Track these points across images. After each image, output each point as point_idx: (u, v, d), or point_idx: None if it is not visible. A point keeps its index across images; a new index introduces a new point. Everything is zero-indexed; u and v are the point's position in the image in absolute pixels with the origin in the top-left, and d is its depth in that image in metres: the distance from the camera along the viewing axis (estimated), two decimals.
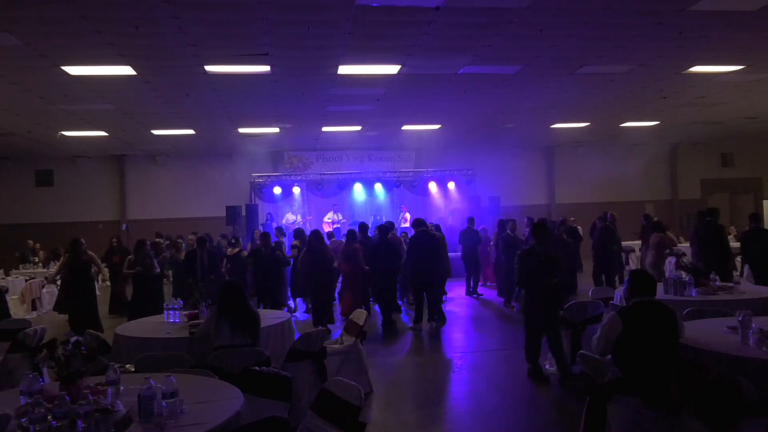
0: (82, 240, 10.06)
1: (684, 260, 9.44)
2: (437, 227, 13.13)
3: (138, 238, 11.29)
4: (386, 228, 11.34)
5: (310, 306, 11.28)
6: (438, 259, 10.66)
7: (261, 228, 15.50)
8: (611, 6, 7.77)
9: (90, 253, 10.23)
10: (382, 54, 9.59)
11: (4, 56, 8.95)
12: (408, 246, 11.06)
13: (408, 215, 18.04)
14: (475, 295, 13.55)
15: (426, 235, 10.63)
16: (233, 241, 12.25)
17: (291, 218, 17.80)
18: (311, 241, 10.20)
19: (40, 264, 15.89)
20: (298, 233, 12.58)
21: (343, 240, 13.04)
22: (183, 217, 19.47)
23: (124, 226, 19.59)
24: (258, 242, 11.63)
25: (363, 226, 12.34)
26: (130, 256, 10.31)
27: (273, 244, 11.10)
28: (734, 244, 13.22)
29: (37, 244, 16.99)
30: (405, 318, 11.32)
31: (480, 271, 13.98)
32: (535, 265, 6.96)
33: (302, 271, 10.56)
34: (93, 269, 10.11)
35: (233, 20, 7.84)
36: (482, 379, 7.46)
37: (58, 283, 12.08)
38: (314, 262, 10.00)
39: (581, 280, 13.57)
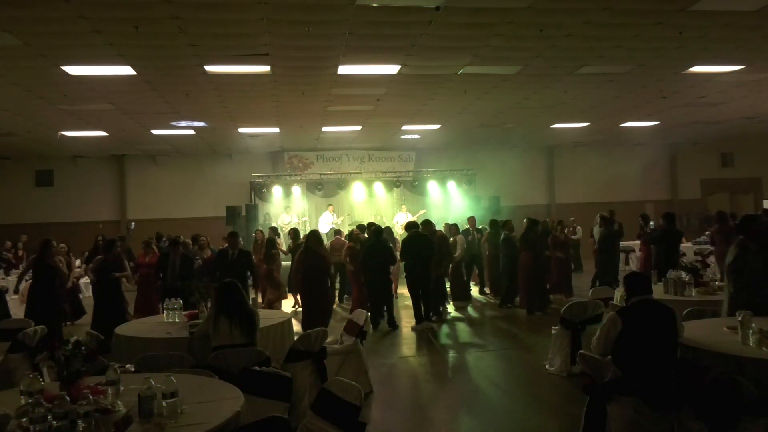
0: (53, 242, 9.35)
1: (684, 260, 9.45)
2: (454, 226, 13.18)
3: (110, 237, 10.90)
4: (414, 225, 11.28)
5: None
6: (431, 260, 10.62)
7: (260, 228, 15.50)
8: (611, 6, 7.77)
9: (59, 258, 9.58)
10: (382, 54, 9.59)
11: (4, 56, 8.94)
12: (401, 248, 11.03)
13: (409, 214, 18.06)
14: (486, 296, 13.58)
15: (418, 236, 10.63)
16: (231, 241, 12.21)
17: (287, 218, 17.77)
18: (308, 242, 9.88)
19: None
20: (294, 233, 12.73)
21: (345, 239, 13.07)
22: (183, 217, 19.45)
23: (132, 225, 19.59)
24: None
25: (371, 226, 12.13)
26: (99, 257, 9.80)
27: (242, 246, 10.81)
28: None
29: (19, 243, 16.86)
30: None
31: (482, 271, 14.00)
32: (760, 264, 5.71)
33: (297, 272, 10.12)
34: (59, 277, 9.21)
35: (233, 20, 7.84)
36: (482, 379, 7.46)
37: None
38: (310, 263, 9.64)
39: (581, 279, 13.58)
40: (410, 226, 11.02)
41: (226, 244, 10.25)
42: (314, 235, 10.07)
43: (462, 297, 12.96)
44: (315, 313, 9.40)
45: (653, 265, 10.52)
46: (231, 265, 9.50)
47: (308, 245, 9.82)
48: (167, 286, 9.50)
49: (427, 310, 10.44)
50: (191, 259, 10.24)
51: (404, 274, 10.84)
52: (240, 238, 10.96)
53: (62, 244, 13.01)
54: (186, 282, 9.25)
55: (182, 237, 11.49)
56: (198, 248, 11.85)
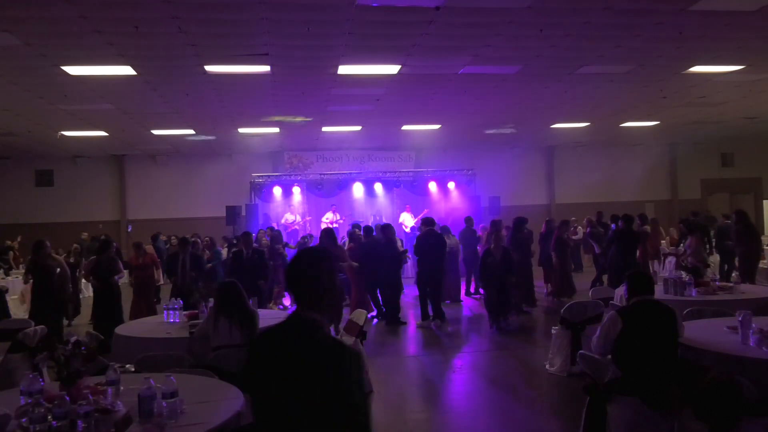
0: (47, 243, 9.39)
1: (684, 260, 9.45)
2: (445, 228, 13.18)
3: (106, 238, 10.96)
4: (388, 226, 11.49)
5: None
6: (443, 259, 10.73)
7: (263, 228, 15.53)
8: (611, 6, 7.77)
9: (56, 257, 9.69)
10: (382, 54, 9.59)
11: (4, 56, 8.94)
12: (415, 245, 11.08)
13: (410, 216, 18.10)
14: (476, 296, 13.53)
15: (433, 234, 10.69)
16: (235, 242, 12.27)
17: (290, 218, 17.79)
18: (322, 240, 9.92)
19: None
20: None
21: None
22: (183, 217, 19.46)
23: (129, 228, 19.56)
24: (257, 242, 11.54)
25: (368, 228, 12.29)
26: (92, 257, 9.86)
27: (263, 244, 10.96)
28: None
29: (16, 243, 16.83)
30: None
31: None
32: None
33: None
34: (58, 273, 9.38)
35: (233, 20, 7.84)
36: (482, 379, 7.46)
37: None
38: None
39: (581, 279, 13.57)
40: (427, 223, 11.06)
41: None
42: (327, 233, 10.06)
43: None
44: (336, 314, 9.46)
45: (608, 268, 10.58)
46: (246, 264, 9.81)
47: (322, 244, 9.83)
48: (178, 285, 9.63)
49: (434, 309, 10.47)
50: (202, 258, 10.35)
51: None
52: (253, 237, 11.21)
53: (75, 245, 13.07)
54: (198, 283, 9.42)
55: (191, 236, 11.57)
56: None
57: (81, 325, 11.22)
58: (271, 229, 14.64)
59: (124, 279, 11.38)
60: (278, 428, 2.29)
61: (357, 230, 12.57)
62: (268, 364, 2.35)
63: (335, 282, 2.45)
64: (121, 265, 9.82)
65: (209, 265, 11.33)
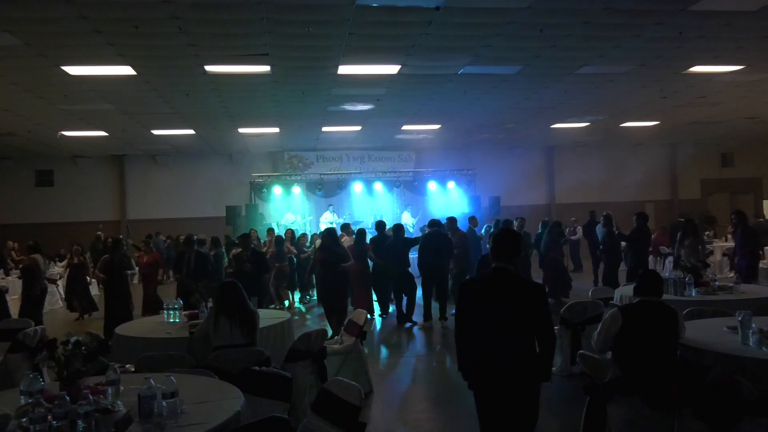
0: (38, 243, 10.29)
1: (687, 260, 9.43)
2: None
3: (115, 238, 11.29)
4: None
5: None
6: (447, 259, 10.73)
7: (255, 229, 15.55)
8: (611, 6, 7.77)
9: (33, 256, 10.24)
10: (382, 54, 9.59)
11: (4, 56, 8.95)
12: (420, 244, 11.06)
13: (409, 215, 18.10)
14: None
15: (438, 234, 10.70)
16: (236, 242, 12.27)
17: (291, 218, 17.79)
18: (324, 240, 9.91)
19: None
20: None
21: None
22: (183, 217, 19.46)
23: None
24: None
25: (380, 224, 12.18)
26: (105, 256, 10.09)
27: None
28: (730, 244, 13.26)
29: (15, 244, 16.83)
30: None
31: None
32: None
33: (316, 271, 10.45)
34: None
35: (233, 20, 7.84)
36: None
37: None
38: (326, 261, 9.55)
39: (581, 279, 13.58)
40: (432, 224, 11.11)
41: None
42: (329, 233, 9.98)
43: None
44: (333, 310, 9.48)
45: (630, 267, 10.54)
46: (247, 265, 10.01)
47: (324, 243, 9.86)
48: (184, 283, 9.81)
49: (443, 308, 10.47)
50: (207, 257, 10.42)
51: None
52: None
53: (76, 246, 13.17)
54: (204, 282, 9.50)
55: (195, 236, 11.65)
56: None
57: (95, 320, 11.35)
58: (272, 229, 14.63)
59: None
60: (497, 336, 3.71)
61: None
62: (485, 295, 3.80)
63: (522, 248, 4.03)
64: (132, 262, 10.04)
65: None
